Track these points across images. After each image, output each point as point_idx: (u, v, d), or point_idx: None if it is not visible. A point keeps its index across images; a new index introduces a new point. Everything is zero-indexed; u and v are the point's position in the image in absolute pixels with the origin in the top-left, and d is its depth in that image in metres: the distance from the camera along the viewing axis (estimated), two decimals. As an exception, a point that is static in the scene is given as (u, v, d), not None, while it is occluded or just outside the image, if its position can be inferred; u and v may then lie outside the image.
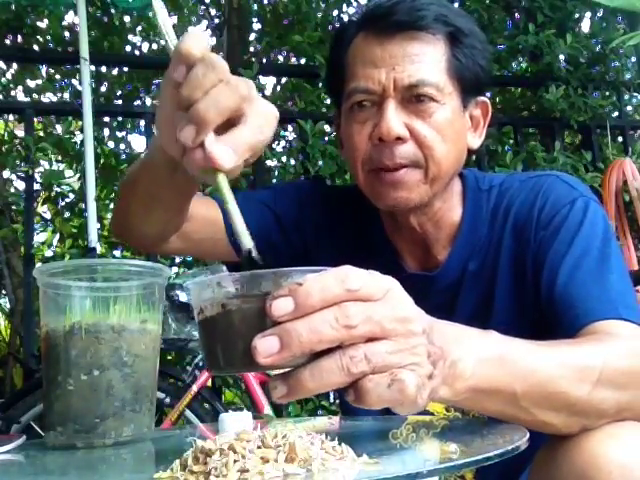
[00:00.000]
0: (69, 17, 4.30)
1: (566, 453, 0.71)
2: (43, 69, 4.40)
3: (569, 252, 0.93)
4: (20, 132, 3.77)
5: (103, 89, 4.43)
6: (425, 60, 0.96)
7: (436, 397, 0.61)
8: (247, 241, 0.59)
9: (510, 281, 1.00)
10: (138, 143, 4.36)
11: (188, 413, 2.60)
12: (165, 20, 0.62)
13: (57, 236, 4.11)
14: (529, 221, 1.00)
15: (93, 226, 2.75)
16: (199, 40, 0.59)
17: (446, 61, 0.98)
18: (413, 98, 0.96)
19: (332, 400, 3.40)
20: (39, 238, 4.16)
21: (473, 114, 1.05)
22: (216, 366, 0.56)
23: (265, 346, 0.52)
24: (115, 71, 4.50)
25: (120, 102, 4.44)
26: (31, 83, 4.30)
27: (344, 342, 0.53)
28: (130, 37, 4.61)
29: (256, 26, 4.66)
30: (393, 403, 0.55)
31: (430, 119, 0.96)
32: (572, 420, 0.71)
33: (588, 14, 4.51)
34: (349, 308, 0.52)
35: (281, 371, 0.54)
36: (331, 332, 0.52)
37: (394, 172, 0.96)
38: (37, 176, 3.38)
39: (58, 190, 3.77)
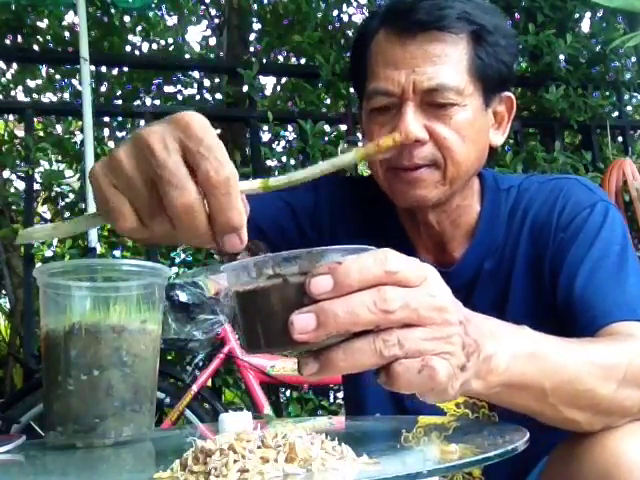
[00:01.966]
0: (69, 17, 4.30)
1: (587, 451, 0.72)
2: (43, 69, 4.40)
3: (588, 255, 0.94)
4: (20, 132, 3.77)
5: (103, 89, 4.43)
6: (446, 62, 0.94)
7: (468, 390, 0.61)
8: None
9: (526, 282, 1.00)
10: (138, 143, 4.33)
11: (188, 413, 2.60)
12: None
13: (57, 236, 4.10)
14: (548, 223, 1.00)
15: (93, 226, 2.75)
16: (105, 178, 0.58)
17: (468, 61, 0.96)
18: (433, 102, 0.95)
19: (332, 400, 3.40)
20: (39, 238, 4.15)
21: (497, 110, 1.03)
22: (254, 345, 0.57)
23: (301, 323, 0.52)
24: (115, 71, 4.50)
25: (120, 102, 4.44)
26: (31, 83, 4.31)
27: (379, 325, 0.53)
28: (130, 37, 4.61)
29: (256, 26, 4.66)
30: (422, 389, 0.56)
31: (450, 121, 0.95)
32: (596, 418, 0.72)
33: (588, 14, 4.51)
34: (387, 292, 0.53)
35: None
36: (368, 315, 0.52)
37: (413, 171, 0.96)
38: (37, 176, 3.39)
39: (58, 190, 3.77)
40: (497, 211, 1.05)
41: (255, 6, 4.49)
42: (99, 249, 3.17)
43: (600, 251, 0.94)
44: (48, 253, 4.14)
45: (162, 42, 4.78)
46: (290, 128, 4.16)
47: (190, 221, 0.56)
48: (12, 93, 4.33)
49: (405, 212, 1.08)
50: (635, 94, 4.50)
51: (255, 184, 0.62)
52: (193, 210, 0.55)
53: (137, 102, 4.44)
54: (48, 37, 4.29)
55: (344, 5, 4.43)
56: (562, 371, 0.68)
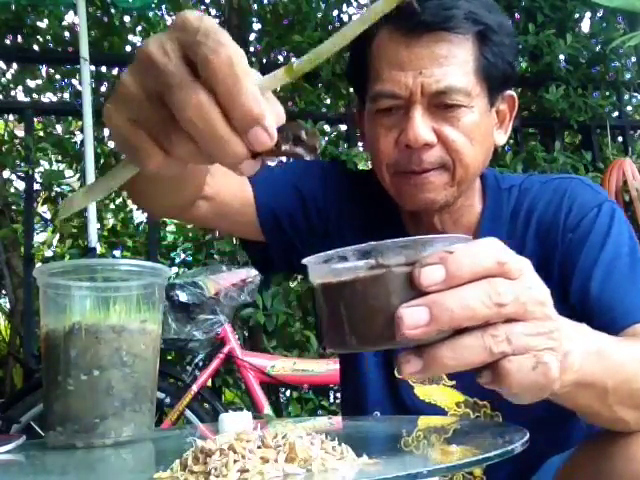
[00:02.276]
0: (69, 17, 4.29)
1: (622, 449, 0.71)
2: (43, 69, 4.39)
3: (600, 257, 0.93)
4: (20, 132, 3.77)
5: (103, 89, 4.42)
6: (453, 63, 0.93)
7: None
8: None
9: None
10: (138, 143, 4.33)
11: (188, 413, 2.60)
12: None
13: (57, 236, 4.11)
14: (555, 224, 0.99)
15: (93, 226, 2.76)
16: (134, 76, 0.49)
17: (474, 61, 0.95)
18: (441, 104, 0.93)
19: (332, 400, 3.40)
20: (39, 238, 4.15)
21: (499, 109, 1.03)
22: (345, 343, 0.53)
23: (413, 317, 0.49)
24: (115, 71, 4.49)
25: (120, 102, 4.42)
26: (31, 83, 4.30)
27: (490, 320, 0.50)
28: (130, 37, 4.59)
29: (256, 26, 4.66)
30: (533, 386, 0.53)
31: (458, 123, 0.94)
32: None
33: (588, 14, 4.50)
34: (499, 285, 0.50)
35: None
36: (483, 309, 0.49)
37: (421, 174, 0.95)
38: (37, 176, 3.39)
39: (58, 190, 3.77)
40: (499, 211, 1.04)
41: (255, 6, 4.48)
42: (99, 249, 3.17)
43: (612, 252, 0.94)
44: (48, 253, 4.14)
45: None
46: (290, 128, 4.14)
47: (206, 125, 0.46)
48: (12, 93, 4.32)
49: (408, 213, 1.08)
50: (635, 94, 4.50)
51: (278, 74, 0.51)
52: (204, 110, 0.46)
53: (137, 102, 4.43)
54: (48, 37, 4.28)
55: (344, 5, 4.43)
56: (622, 370, 0.67)
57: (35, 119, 3.53)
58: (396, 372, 0.52)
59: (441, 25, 0.93)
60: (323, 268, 0.54)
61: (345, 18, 4.49)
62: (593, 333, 0.67)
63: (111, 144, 4.16)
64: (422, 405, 1.02)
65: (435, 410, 1.00)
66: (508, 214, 1.04)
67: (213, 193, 0.98)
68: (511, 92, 1.05)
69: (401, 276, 0.50)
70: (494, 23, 0.97)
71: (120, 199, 4.24)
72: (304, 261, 0.56)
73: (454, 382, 1.02)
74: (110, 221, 4.35)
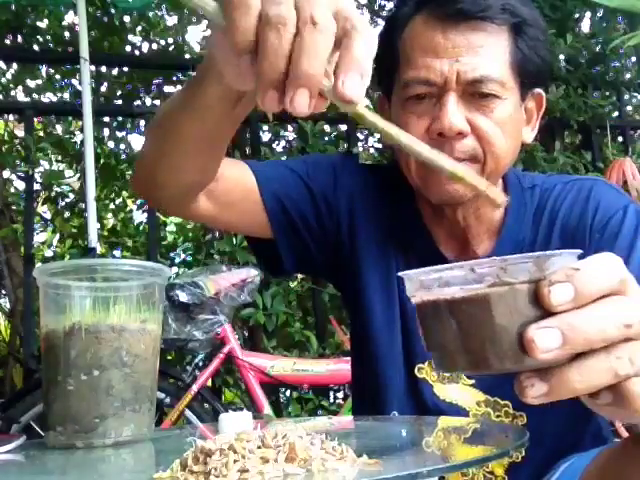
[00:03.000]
0: (69, 17, 4.29)
1: None
2: (43, 69, 4.39)
3: (632, 257, 0.93)
4: (20, 132, 3.77)
5: (103, 89, 4.42)
6: (489, 52, 0.92)
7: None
8: (449, 163, 0.51)
9: None
10: (138, 143, 4.35)
11: (188, 413, 2.60)
12: None
13: (57, 236, 4.11)
14: (582, 225, 0.99)
15: (93, 226, 2.76)
16: (247, 15, 0.50)
17: (509, 53, 0.94)
18: (476, 93, 0.92)
19: (332, 400, 3.40)
20: (39, 238, 4.16)
21: (528, 107, 1.03)
22: (458, 365, 0.50)
23: (546, 339, 0.46)
24: (115, 71, 4.49)
25: (120, 102, 4.43)
26: (31, 83, 4.30)
27: (614, 341, 0.48)
28: (130, 37, 4.60)
29: (256, 26, 4.65)
30: None
31: (492, 114, 0.93)
32: None
33: (588, 14, 4.50)
34: (625, 305, 0.48)
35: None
36: (614, 331, 0.47)
37: None
38: (37, 176, 3.39)
39: (58, 190, 3.78)
40: (523, 209, 1.04)
41: (255, 6, 4.48)
42: (99, 249, 3.17)
43: None
44: (48, 253, 4.14)
45: (162, 42, 4.77)
46: (290, 128, 4.15)
47: (274, 41, 0.48)
48: (12, 93, 4.32)
49: (428, 206, 1.06)
50: (635, 94, 4.50)
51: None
52: (283, 25, 0.48)
53: (137, 102, 4.44)
54: (48, 37, 4.29)
55: (344, 5, 4.43)
56: None
57: (35, 119, 3.53)
58: (518, 395, 0.50)
59: (478, 14, 0.92)
60: (428, 283, 0.50)
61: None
62: None
63: (111, 144, 4.17)
64: (443, 405, 1.00)
65: (456, 410, 0.99)
66: (531, 213, 1.04)
67: (219, 193, 0.98)
68: (540, 90, 1.04)
69: (526, 294, 0.47)
70: (530, 17, 0.96)
71: (120, 199, 4.24)
72: (401, 274, 0.53)
73: (473, 381, 1.00)
74: (110, 221, 4.35)
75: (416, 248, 0.98)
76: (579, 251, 0.50)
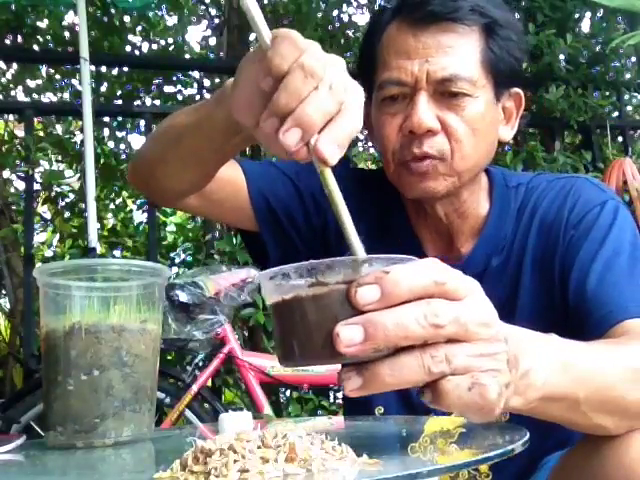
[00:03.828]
0: (69, 17, 4.29)
1: (611, 451, 0.71)
2: (43, 69, 4.39)
3: (600, 252, 0.94)
4: (20, 132, 3.77)
5: (103, 89, 4.43)
6: (459, 52, 0.95)
7: (507, 407, 0.59)
8: (358, 247, 0.57)
9: (535, 279, 1.00)
10: (138, 143, 4.35)
11: (188, 413, 2.60)
12: (256, 11, 0.59)
13: (57, 236, 4.11)
14: (558, 220, 1.00)
15: (93, 226, 2.75)
16: (292, 50, 0.58)
17: (480, 53, 0.97)
18: (446, 92, 0.95)
19: (332, 400, 3.40)
20: (39, 238, 4.16)
21: (506, 106, 1.04)
22: (291, 358, 0.55)
23: (348, 335, 0.50)
24: (115, 71, 4.49)
25: (120, 102, 4.43)
26: (31, 83, 4.30)
27: (427, 340, 0.51)
28: (130, 37, 4.60)
29: (256, 26, 4.65)
30: (471, 407, 0.53)
31: (462, 112, 0.95)
32: (624, 422, 0.71)
33: (588, 14, 4.50)
34: (438, 306, 0.51)
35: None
36: (418, 329, 0.50)
37: (420, 162, 0.96)
38: (37, 176, 3.39)
39: (58, 190, 3.77)
40: (506, 208, 1.05)
41: (255, 6, 4.48)
42: (99, 249, 3.17)
43: (612, 249, 0.94)
44: (48, 253, 4.15)
45: (162, 42, 4.78)
46: (290, 128, 4.14)
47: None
48: (12, 93, 4.33)
49: (413, 206, 1.08)
50: (635, 94, 4.50)
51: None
52: (311, 76, 0.58)
53: (137, 102, 4.44)
54: (48, 37, 4.29)
55: (344, 5, 4.43)
56: (594, 379, 0.67)
57: (35, 119, 3.53)
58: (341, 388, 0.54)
59: (448, 15, 0.95)
60: (269, 285, 0.55)
61: (345, 18, 4.50)
62: (562, 345, 0.67)
63: (111, 144, 4.17)
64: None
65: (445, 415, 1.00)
66: (515, 211, 1.04)
67: (209, 191, 1.02)
68: (518, 90, 1.05)
69: (340, 294, 0.51)
70: (500, 17, 0.98)
71: (120, 199, 4.24)
72: (257, 276, 0.58)
73: None
74: (110, 221, 4.36)
75: (401, 249, 0.99)
76: (411, 258, 0.54)
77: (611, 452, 0.71)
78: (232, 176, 1.06)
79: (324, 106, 0.58)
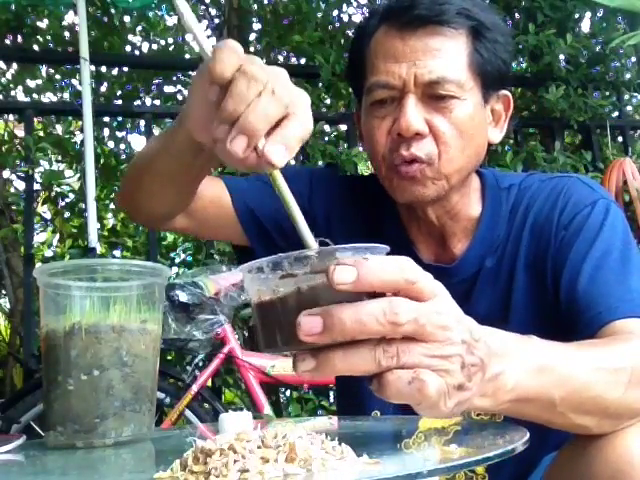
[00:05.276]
0: (69, 17, 4.29)
1: (597, 451, 0.72)
2: (43, 69, 4.39)
3: (591, 252, 0.94)
4: (20, 132, 3.77)
5: (103, 89, 4.42)
6: (446, 55, 0.96)
7: (472, 407, 0.61)
8: (312, 242, 0.61)
9: (528, 280, 1.01)
10: (138, 143, 4.35)
11: (188, 413, 2.60)
12: (190, 18, 0.63)
13: (57, 236, 4.11)
14: (549, 221, 1.00)
15: (93, 226, 2.75)
16: (231, 57, 0.60)
17: (468, 56, 0.97)
18: (434, 95, 0.96)
19: (332, 400, 3.40)
20: (39, 238, 4.15)
21: (495, 108, 1.05)
22: (262, 345, 0.58)
23: (308, 325, 0.52)
24: (115, 71, 4.49)
25: (120, 102, 4.43)
26: (31, 83, 4.30)
27: (385, 336, 0.53)
28: (130, 37, 4.60)
29: (256, 26, 4.66)
30: (411, 400, 0.55)
31: (450, 115, 0.96)
32: (605, 421, 0.72)
33: (588, 14, 4.50)
34: (399, 305, 0.52)
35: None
36: (376, 326, 0.52)
37: (409, 166, 0.96)
38: (37, 176, 3.38)
39: (58, 190, 3.77)
40: (498, 209, 1.05)
41: (255, 6, 4.48)
42: (99, 249, 3.17)
43: (602, 249, 0.94)
44: (48, 253, 4.14)
45: (162, 42, 4.77)
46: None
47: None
48: (12, 93, 4.32)
49: (405, 209, 1.08)
50: (635, 94, 4.49)
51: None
52: (255, 81, 0.60)
53: (137, 102, 4.43)
54: (48, 37, 4.29)
55: (344, 5, 4.43)
56: (570, 380, 0.68)
57: (35, 119, 3.53)
58: (293, 369, 0.56)
59: (434, 19, 0.96)
60: (247, 277, 0.58)
61: (345, 18, 4.50)
62: (540, 347, 0.68)
63: (111, 144, 4.17)
64: None
65: None
66: (507, 212, 1.05)
67: (194, 210, 1.05)
68: (506, 92, 1.06)
69: (307, 284, 0.54)
70: (487, 20, 0.99)
71: (120, 199, 4.23)
72: (238, 269, 0.62)
73: None
74: (110, 221, 4.35)
75: (393, 252, 1.00)
76: (378, 245, 0.56)
77: (598, 451, 0.72)
78: (215, 193, 1.08)
79: (267, 111, 0.60)
